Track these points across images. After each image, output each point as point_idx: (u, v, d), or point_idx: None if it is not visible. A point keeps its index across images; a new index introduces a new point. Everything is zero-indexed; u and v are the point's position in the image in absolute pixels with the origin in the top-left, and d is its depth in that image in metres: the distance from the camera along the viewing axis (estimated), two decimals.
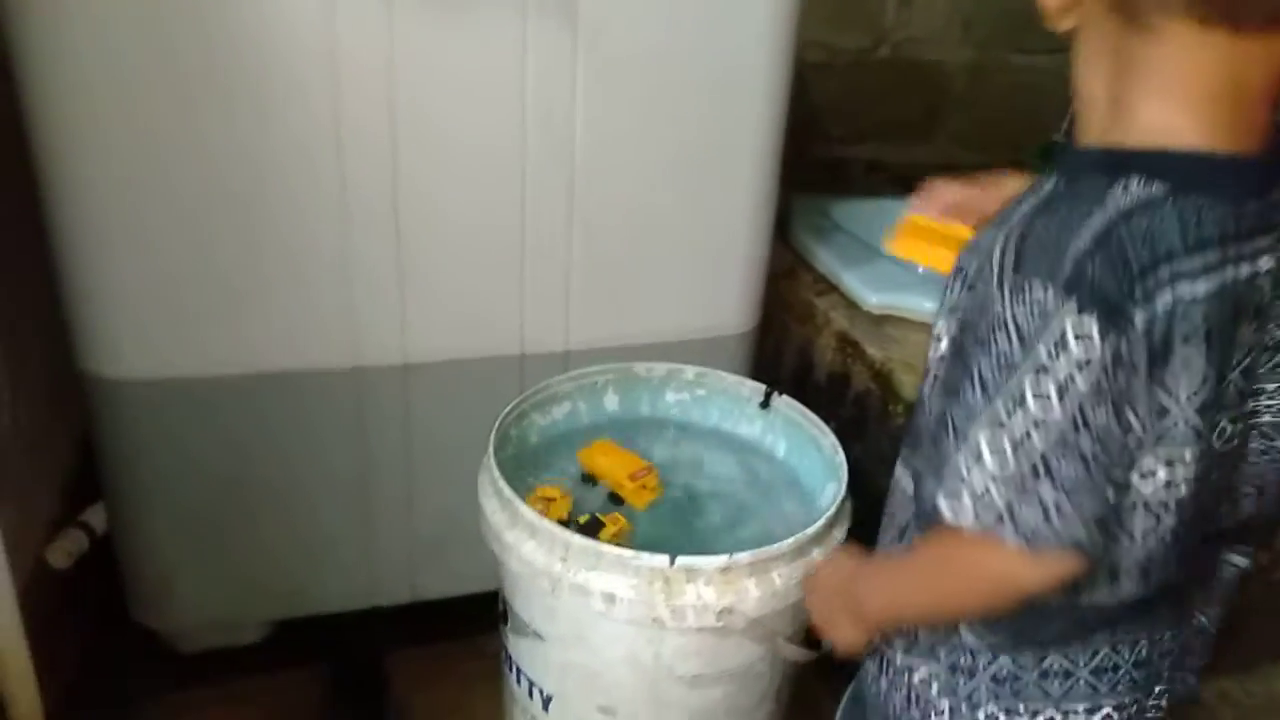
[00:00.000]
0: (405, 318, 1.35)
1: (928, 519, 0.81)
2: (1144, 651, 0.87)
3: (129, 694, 1.49)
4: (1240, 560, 0.94)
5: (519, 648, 1.25)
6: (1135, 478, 0.71)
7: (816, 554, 1.15)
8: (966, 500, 0.70)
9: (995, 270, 0.68)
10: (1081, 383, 0.65)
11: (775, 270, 1.64)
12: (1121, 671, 0.86)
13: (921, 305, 1.59)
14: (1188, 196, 0.66)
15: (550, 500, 1.31)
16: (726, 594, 1.08)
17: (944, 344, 0.79)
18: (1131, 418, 0.67)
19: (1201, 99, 0.66)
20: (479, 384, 1.43)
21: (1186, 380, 0.68)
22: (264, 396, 1.33)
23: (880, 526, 1.00)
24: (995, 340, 0.68)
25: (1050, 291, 0.65)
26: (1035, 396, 0.66)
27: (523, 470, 1.37)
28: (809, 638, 1.25)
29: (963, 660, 0.87)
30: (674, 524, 1.28)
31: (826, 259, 1.75)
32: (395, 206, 1.28)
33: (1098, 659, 0.85)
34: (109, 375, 1.27)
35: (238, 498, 1.39)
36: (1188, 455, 0.71)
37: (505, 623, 1.28)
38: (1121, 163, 0.68)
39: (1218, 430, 0.74)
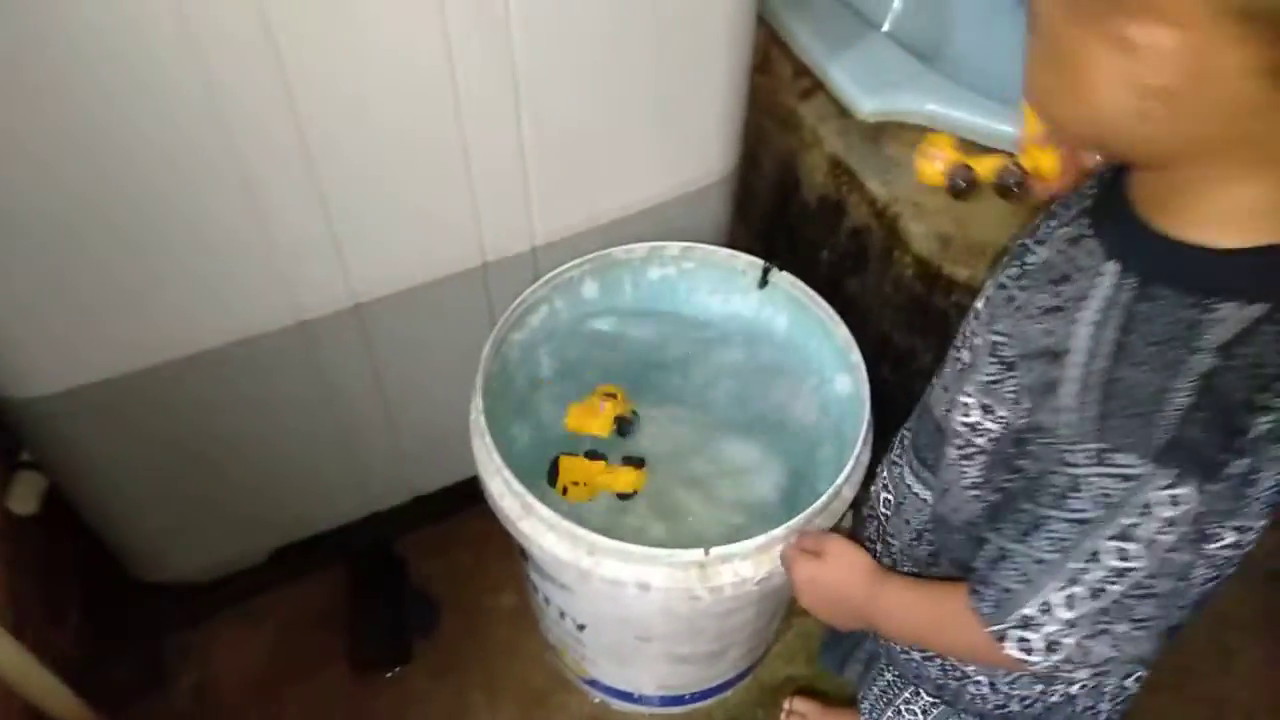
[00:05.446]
0: (342, 258, 1.13)
1: (953, 541, 0.83)
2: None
3: (141, 630, 1.47)
4: None
5: (546, 586, 1.24)
6: (1212, 550, 0.63)
7: (848, 494, 1.10)
8: (1038, 645, 0.68)
9: (1071, 421, 0.62)
10: (1168, 539, 0.60)
11: None
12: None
13: (923, 106, 1.38)
14: None
15: (611, 396, 1.24)
16: (763, 565, 1.04)
17: (975, 415, 0.74)
18: (1218, 530, 0.60)
19: None
20: (444, 304, 1.25)
21: (1273, 474, 0.59)
22: (205, 375, 1.15)
23: (891, 514, 0.97)
24: (1071, 500, 0.63)
25: (1141, 464, 0.58)
26: (1118, 557, 0.62)
27: (510, 391, 1.26)
28: None
29: None
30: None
31: (809, 42, 1.48)
32: (301, 136, 1.00)
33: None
34: (23, 396, 1.08)
35: (207, 464, 1.27)
36: (1258, 525, 0.63)
37: (525, 558, 1.25)
38: (1210, 279, 0.56)
39: None
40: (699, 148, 1.30)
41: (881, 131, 1.39)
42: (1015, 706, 0.93)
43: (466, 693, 1.49)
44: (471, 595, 1.58)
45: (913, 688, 1.04)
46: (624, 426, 1.33)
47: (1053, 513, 0.65)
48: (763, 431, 1.31)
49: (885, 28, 1.74)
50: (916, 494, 0.91)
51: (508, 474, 1.06)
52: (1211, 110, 0.51)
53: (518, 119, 1.12)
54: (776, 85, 1.48)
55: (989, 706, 0.94)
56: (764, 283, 1.28)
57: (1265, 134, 0.52)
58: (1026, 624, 0.68)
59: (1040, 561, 0.66)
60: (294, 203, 1.05)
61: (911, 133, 1.39)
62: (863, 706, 1.17)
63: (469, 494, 1.48)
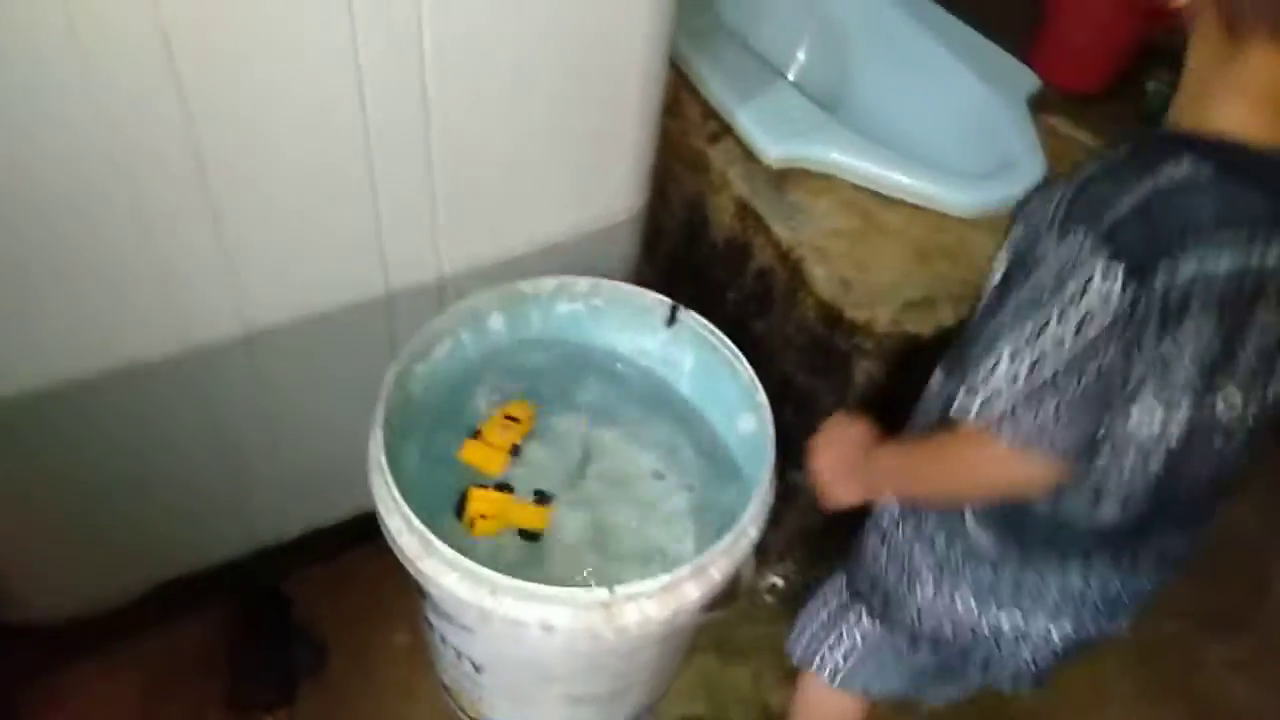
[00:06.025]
0: (237, 283, 1.09)
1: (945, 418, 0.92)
2: (1115, 590, 0.96)
3: None
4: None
5: (444, 626, 1.20)
6: (1132, 420, 0.80)
7: (752, 533, 1.11)
8: (979, 398, 0.81)
9: (1050, 215, 0.79)
10: (1099, 319, 0.75)
11: None
12: (1088, 602, 0.97)
13: (827, 155, 1.42)
14: (1229, 180, 0.74)
15: (515, 421, 1.24)
16: (668, 604, 1.04)
17: (998, 277, 0.88)
18: (1136, 361, 0.77)
19: (1269, 103, 0.75)
20: (344, 334, 1.21)
21: (1194, 343, 0.76)
22: (83, 402, 1.08)
23: (910, 422, 1.06)
24: (1036, 272, 0.78)
25: (1089, 239, 0.75)
26: (1059, 324, 0.76)
27: (412, 425, 1.23)
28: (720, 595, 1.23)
29: (951, 558, 0.99)
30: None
31: (717, 88, 1.51)
32: (196, 155, 0.96)
33: (1068, 583, 0.96)
34: None
35: (79, 495, 1.19)
36: (1184, 406, 0.79)
37: (423, 597, 1.21)
38: (1183, 142, 0.77)
39: (1224, 396, 0.82)
40: (609, 186, 1.31)
41: (786, 178, 1.42)
42: (948, 630, 1.02)
43: None
44: (363, 635, 1.52)
45: (856, 609, 1.15)
46: (516, 450, 1.29)
47: (1021, 290, 0.79)
48: (668, 469, 1.31)
49: (790, 77, 1.79)
50: (933, 385, 1.02)
51: (407, 511, 1.03)
52: (1205, 41, 0.77)
53: (427, 146, 1.11)
54: (686, 128, 1.51)
55: (924, 627, 1.05)
56: (672, 321, 1.29)
57: (1233, 73, 0.75)
58: (980, 383, 0.81)
59: (1001, 327, 0.80)
60: (185, 221, 1.01)
61: (815, 180, 1.43)
62: (797, 645, 1.24)
63: (362, 530, 1.43)
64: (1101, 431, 0.81)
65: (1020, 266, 0.82)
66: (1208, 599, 1.77)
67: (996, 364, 0.80)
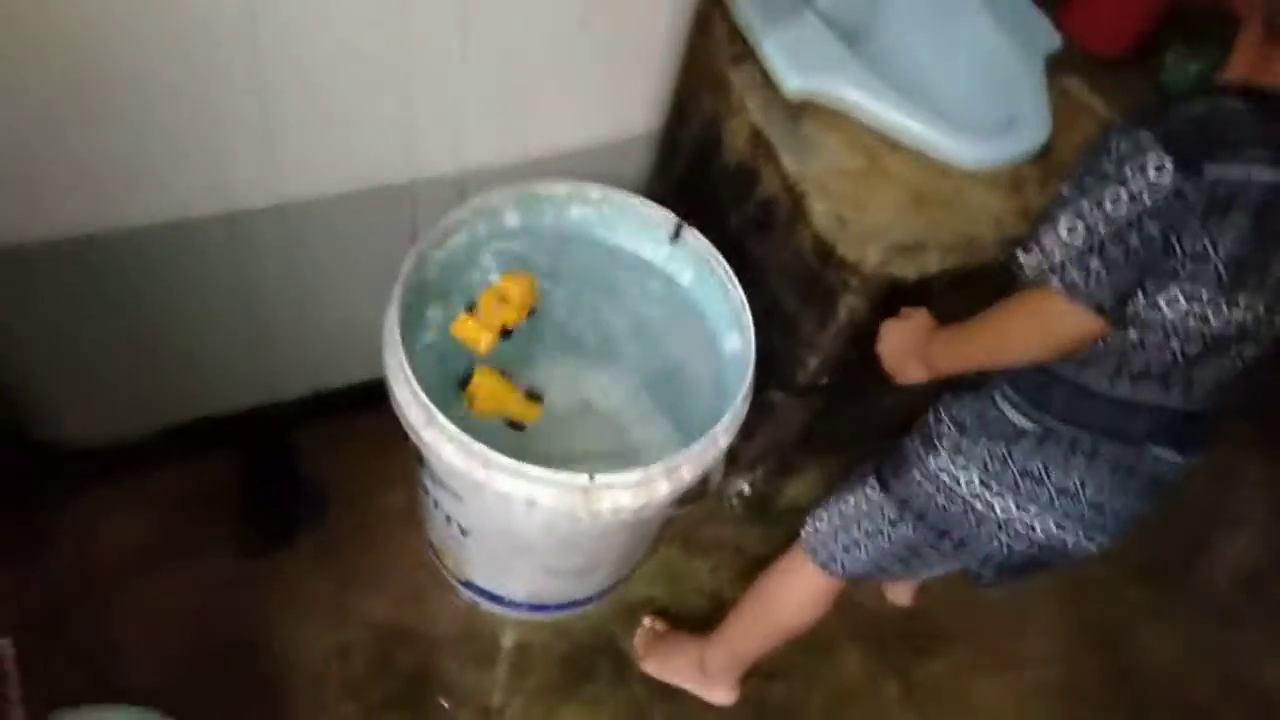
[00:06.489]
0: (274, 154, 1.16)
1: None
2: (1102, 497, 1.10)
3: (17, 500, 1.47)
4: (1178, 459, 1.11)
5: (438, 491, 1.32)
6: (1160, 303, 0.96)
7: (723, 441, 1.21)
8: (1035, 253, 0.98)
9: (1119, 127, 0.94)
10: (1147, 198, 0.90)
11: None
12: (1079, 504, 1.11)
13: (844, 93, 1.48)
14: (1273, 115, 0.92)
15: (505, 302, 1.29)
16: (640, 496, 1.15)
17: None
18: (1175, 243, 0.92)
19: None
20: (369, 215, 1.29)
21: (1231, 236, 0.91)
22: (129, 250, 1.17)
23: None
24: (1099, 160, 0.94)
25: (1149, 136, 0.90)
26: (1112, 201, 0.92)
27: (425, 305, 1.32)
28: (689, 493, 1.34)
29: (971, 431, 1.14)
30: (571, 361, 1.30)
31: (746, 10, 1.54)
32: (254, 25, 1.03)
33: (1067, 480, 1.10)
34: None
35: (117, 333, 1.29)
36: (1205, 294, 0.94)
37: (421, 464, 1.33)
38: (1235, 88, 0.95)
39: (1249, 305, 0.96)
40: (633, 97, 1.37)
41: (802, 110, 1.48)
42: (941, 499, 1.18)
43: (346, 583, 1.57)
44: (361, 492, 1.65)
45: (865, 481, 1.28)
46: (507, 332, 1.33)
47: (1085, 173, 0.95)
48: (653, 376, 1.42)
49: (819, 5, 1.82)
50: None
51: (415, 385, 1.13)
52: (1254, 33, 0.97)
53: (464, 38, 1.16)
54: (712, 46, 1.55)
55: (918, 495, 1.20)
56: (676, 237, 1.37)
57: (1267, 60, 0.95)
58: (1037, 243, 0.98)
59: (1063, 201, 0.96)
60: (234, 88, 1.08)
61: (829, 115, 1.48)
62: (813, 506, 1.37)
63: (369, 395, 1.53)
64: (1132, 309, 0.97)
65: (1086, 166, 0.97)
66: (1146, 549, 1.91)
67: (1056, 229, 0.96)
